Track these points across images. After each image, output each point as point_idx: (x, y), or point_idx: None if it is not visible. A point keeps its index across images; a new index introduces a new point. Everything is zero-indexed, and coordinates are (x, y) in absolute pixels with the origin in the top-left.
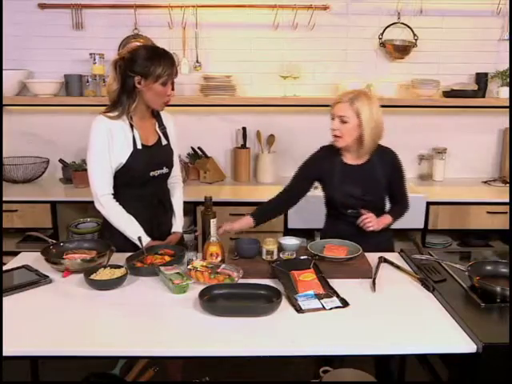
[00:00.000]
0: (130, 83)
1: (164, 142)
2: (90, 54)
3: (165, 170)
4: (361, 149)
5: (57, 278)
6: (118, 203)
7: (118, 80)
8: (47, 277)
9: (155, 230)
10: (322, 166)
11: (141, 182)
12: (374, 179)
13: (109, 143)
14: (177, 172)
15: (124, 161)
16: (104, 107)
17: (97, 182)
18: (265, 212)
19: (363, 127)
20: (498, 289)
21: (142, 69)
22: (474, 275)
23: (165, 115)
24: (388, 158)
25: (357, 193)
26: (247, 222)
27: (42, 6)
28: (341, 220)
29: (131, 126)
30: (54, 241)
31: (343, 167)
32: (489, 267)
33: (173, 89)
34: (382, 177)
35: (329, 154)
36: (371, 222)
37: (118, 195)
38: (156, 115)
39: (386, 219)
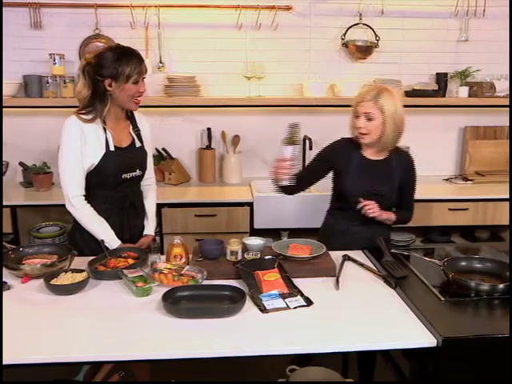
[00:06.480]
0: (101, 87)
1: (138, 144)
2: (50, 54)
3: (138, 173)
4: (381, 144)
5: (16, 284)
6: (89, 205)
7: (89, 85)
8: (5, 283)
9: (126, 232)
10: (340, 156)
11: (113, 184)
12: (389, 176)
13: (81, 144)
14: (151, 174)
15: (96, 162)
16: (68, 108)
17: (68, 182)
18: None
19: (387, 123)
20: (473, 283)
21: (110, 71)
22: (449, 271)
23: (139, 117)
24: (406, 162)
25: (371, 187)
26: None
27: None
28: (347, 213)
29: (104, 128)
30: (13, 246)
31: (361, 160)
32: (463, 263)
33: (145, 85)
34: (396, 176)
35: (348, 146)
36: (372, 208)
37: (89, 197)
38: (130, 117)
39: (389, 214)
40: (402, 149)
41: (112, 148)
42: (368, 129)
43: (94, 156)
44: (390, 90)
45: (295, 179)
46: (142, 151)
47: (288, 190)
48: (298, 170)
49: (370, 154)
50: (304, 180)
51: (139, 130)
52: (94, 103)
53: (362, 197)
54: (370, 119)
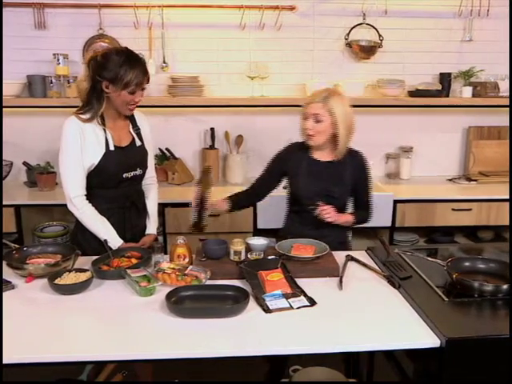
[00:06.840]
0: (99, 87)
1: (138, 143)
2: (54, 54)
3: (138, 172)
4: (335, 148)
5: (20, 283)
6: (90, 204)
7: (89, 80)
8: (9, 282)
9: (128, 231)
10: (289, 161)
11: (114, 183)
12: (341, 177)
13: (81, 144)
14: (152, 173)
15: (96, 162)
16: (72, 108)
17: (69, 183)
18: (239, 199)
19: (337, 125)
20: (476, 284)
21: (111, 75)
22: (453, 271)
23: (139, 116)
24: (359, 162)
25: (322, 188)
26: (222, 204)
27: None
28: (302, 217)
29: (104, 128)
30: (17, 245)
31: (311, 162)
32: (467, 263)
33: (142, 94)
34: (349, 177)
35: (297, 150)
36: (330, 213)
37: (90, 196)
38: (130, 116)
39: (347, 216)
40: (354, 149)
41: (112, 147)
42: (316, 130)
43: (94, 156)
44: (338, 93)
45: (204, 220)
46: (143, 150)
47: (240, 207)
48: (209, 212)
49: (320, 156)
50: (256, 189)
51: (139, 128)
52: (92, 101)
53: (315, 199)
54: (318, 121)
